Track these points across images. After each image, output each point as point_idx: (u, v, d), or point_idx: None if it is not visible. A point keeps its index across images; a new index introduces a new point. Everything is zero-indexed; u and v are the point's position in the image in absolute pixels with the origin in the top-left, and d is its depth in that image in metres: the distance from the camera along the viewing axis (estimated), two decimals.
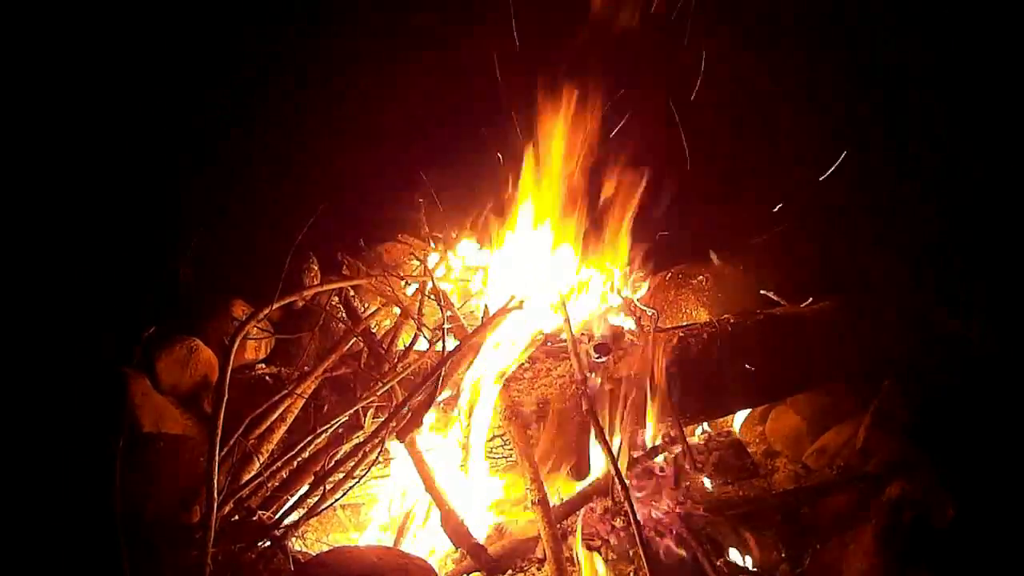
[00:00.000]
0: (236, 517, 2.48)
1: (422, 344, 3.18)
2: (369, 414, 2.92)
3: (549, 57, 3.44)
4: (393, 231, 4.23)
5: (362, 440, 2.74)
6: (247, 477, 2.65)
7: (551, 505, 2.68)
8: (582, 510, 2.87)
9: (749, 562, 2.76)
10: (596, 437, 2.70)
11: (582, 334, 3.13)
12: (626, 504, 2.43)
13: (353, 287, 3.66)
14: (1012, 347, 3.19)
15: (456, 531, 2.61)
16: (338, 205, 3.37)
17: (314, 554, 2.50)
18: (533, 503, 2.65)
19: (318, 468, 2.73)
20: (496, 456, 2.99)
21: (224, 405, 2.34)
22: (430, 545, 2.83)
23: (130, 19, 3.93)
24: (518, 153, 3.43)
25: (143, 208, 3.65)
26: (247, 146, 4.32)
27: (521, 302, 3.09)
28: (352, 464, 2.70)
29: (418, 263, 3.79)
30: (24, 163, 3.47)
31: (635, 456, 3.03)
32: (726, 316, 3.40)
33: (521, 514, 2.93)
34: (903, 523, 2.49)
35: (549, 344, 3.18)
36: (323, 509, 2.66)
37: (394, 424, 2.69)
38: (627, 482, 2.53)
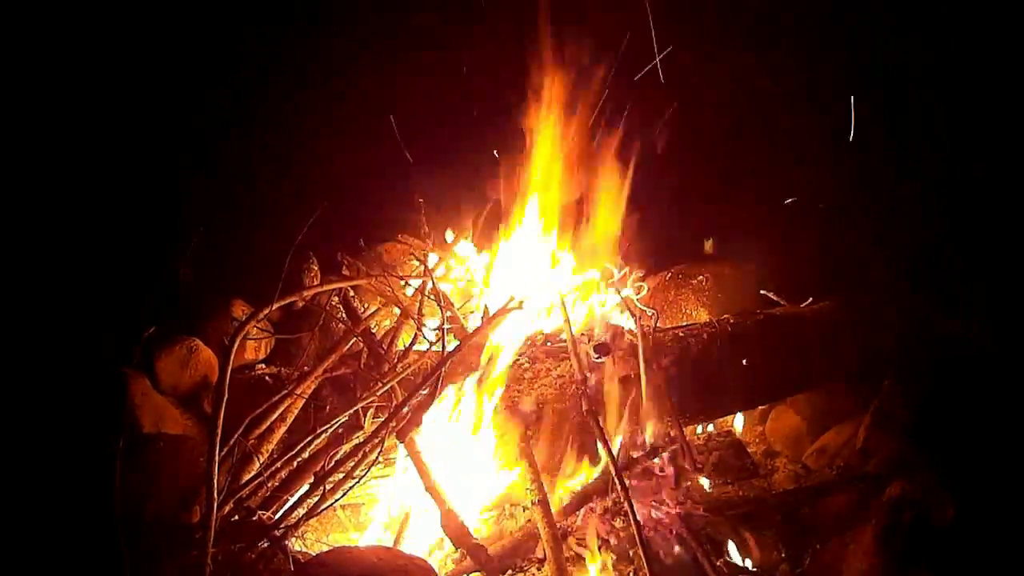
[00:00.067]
0: (236, 517, 2.48)
1: (422, 344, 3.18)
2: (369, 414, 2.91)
3: (548, 57, 3.44)
4: (393, 231, 4.23)
5: (362, 440, 2.73)
6: (247, 477, 2.65)
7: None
8: (582, 510, 2.87)
9: (749, 562, 2.76)
10: (596, 437, 2.70)
11: (582, 334, 3.13)
12: (626, 504, 2.43)
13: (353, 287, 3.66)
14: (1012, 347, 3.19)
15: (456, 531, 2.61)
16: (338, 205, 3.36)
17: (314, 554, 2.49)
18: (533, 503, 2.65)
19: (318, 468, 2.73)
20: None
21: (224, 405, 2.33)
22: (430, 545, 2.83)
23: (130, 19, 3.93)
24: (517, 153, 3.43)
25: (143, 208, 3.66)
26: (247, 146, 4.32)
27: (521, 302, 3.09)
28: (352, 464, 2.70)
29: (418, 263, 3.78)
30: (24, 163, 3.47)
31: (635, 456, 3.03)
32: (726, 316, 3.40)
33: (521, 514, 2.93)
34: (903, 523, 2.49)
35: (549, 344, 3.18)
36: (323, 509, 2.66)
37: (394, 424, 2.69)
38: (627, 482, 2.53)
